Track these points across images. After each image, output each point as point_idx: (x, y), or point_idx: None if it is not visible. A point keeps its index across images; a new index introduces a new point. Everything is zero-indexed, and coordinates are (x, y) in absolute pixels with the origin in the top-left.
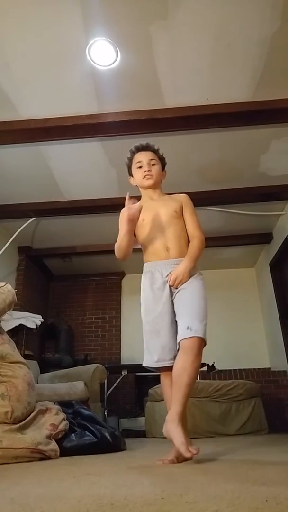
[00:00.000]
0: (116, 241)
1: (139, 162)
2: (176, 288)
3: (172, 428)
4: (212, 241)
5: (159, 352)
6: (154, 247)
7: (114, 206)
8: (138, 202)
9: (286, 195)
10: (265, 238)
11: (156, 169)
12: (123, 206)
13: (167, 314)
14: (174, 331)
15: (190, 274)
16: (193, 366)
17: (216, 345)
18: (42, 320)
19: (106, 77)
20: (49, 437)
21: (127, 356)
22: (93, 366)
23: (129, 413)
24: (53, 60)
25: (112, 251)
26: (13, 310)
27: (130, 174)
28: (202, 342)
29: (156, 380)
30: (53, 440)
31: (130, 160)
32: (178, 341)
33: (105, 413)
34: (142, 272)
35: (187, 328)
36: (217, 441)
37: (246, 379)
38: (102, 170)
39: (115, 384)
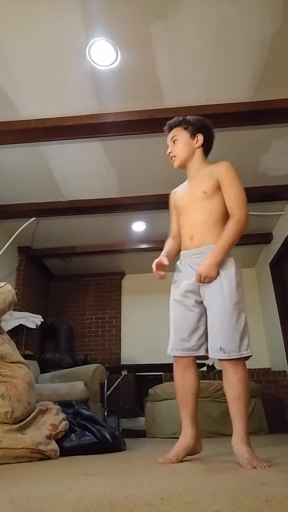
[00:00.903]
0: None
1: (167, 144)
2: (205, 283)
3: (236, 451)
4: None
5: (173, 339)
6: (183, 236)
7: (114, 206)
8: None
9: (286, 195)
10: (265, 238)
11: (178, 146)
12: (123, 206)
13: (189, 307)
14: (193, 323)
15: (219, 266)
16: (236, 378)
17: None
18: (42, 320)
19: (106, 77)
20: (49, 437)
21: (127, 356)
22: (93, 366)
23: (129, 413)
24: (53, 60)
25: (113, 251)
26: (13, 310)
27: None
28: (239, 360)
29: (156, 380)
30: (53, 440)
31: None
32: (210, 356)
33: (105, 413)
34: (142, 272)
35: (220, 349)
36: (217, 441)
37: None
38: (102, 170)
39: (115, 384)
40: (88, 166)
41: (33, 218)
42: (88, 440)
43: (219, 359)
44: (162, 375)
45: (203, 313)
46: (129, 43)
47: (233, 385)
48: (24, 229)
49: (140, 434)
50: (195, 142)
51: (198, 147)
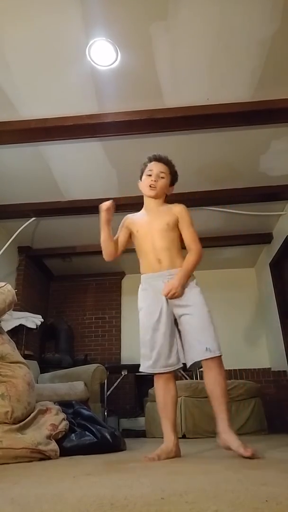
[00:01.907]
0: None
1: (150, 170)
2: (171, 298)
3: (227, 437)
4: (212, 241)
5: (155, 358)
6: (147, 260)
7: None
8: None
9: (286, 195)
10: (265, 238)
11: (162, 182)
12: (123, 206)
13: (164, 324)
14: (171, 341)
15: (184, 287)
16: (221, 377)
17: None
18: (42, 320)
19: (106, 77)
20: (49, 437)
21: (127, 356)
22: (93, 366)
23: (129, 413)
24: (53, 60)
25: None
26: (13, 310)
27: (140, 178)
28: (220, 357)
29: None
30: (53, 440)
31: (145, 165)
32: (196, 360)
33: (105, 413)
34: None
35: (207, 349)
36: (217, 441)
37: (246, 379)
38: (102, 170)
39: (115, 384)
40: (88, 166)
41: (33, 218)
42: (88, 440)
43: (203, 360)
44: None
45: (176, 329)
46: (129, 43)
47: (219, 382)
48: (24, 229)
49: (140, 434)
50: (169, 190)
51: (166, 193)
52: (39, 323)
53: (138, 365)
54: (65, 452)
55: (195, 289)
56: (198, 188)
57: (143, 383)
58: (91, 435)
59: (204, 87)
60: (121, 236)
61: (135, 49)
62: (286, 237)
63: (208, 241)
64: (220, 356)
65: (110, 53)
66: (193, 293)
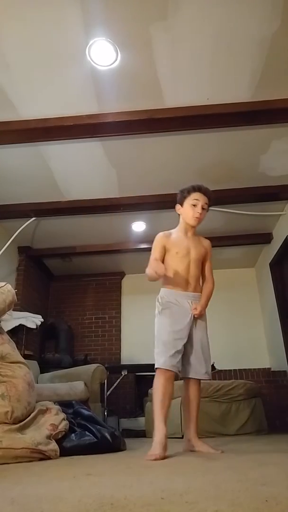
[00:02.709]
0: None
1: (196, 200)
2: (197, 318)
3: (196, 442)
4: (212, 241)
5: (172, 357)
6: (178, 278)
7: (114, 206)
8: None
9: (286, 195)
10: (265, 238)
11: (204, 214)
12: (123, 206)
13: (185, 335)
14: (183, 349)
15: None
16: (199, 396)
17: (216, 345)
18: (42, 320)
19: (106, 77)
20: (49, 437)
21: (127, 356)
22: (93, 366)
23: (129, 413)
24: (53, 60)
25: (113, 251)
26: (13, 310)
27: (180, 203)
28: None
29: None
30: (53, 440)
31: (188, 192)
32: (195, 377)
33: (105, 413)
34: (142, 272)
35: (206, 372)
36: (217, 441)
37: (246, 379)
38: (102, 170)
39: (115, 384)
40: (88, 166)
41: (33, 218)
42: (88, 440)
43: (199, 379)
44: None
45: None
46: (129, 43)
47: (198, 397)
48: (24, 229)
49: (140, 434)
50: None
51: None
52: (39, 323)
53: (138, 365)
54: (65, 452)
55: (206, 317)
56: None
57: (143, 383)
58: (91, 435)
59: (204, 87)
60: (161, 257)
61: (135, 49)
62: (286, 237)
63: None
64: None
65: (110, 53)
66: (204, 321)
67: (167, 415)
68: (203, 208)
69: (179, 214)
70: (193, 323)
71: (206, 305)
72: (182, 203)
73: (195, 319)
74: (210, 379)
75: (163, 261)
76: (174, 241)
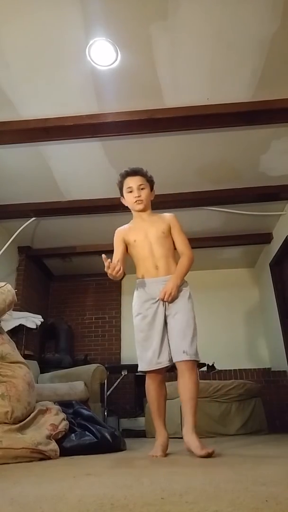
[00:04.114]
0: None
1: (129, 187)
2: (167, 302)
3: (187, 437)
4: (212, 241)
5: (150, 357)
6: (145, 266)
7: (114, 206)
8: (117, 261)
9: (286, 195)
10: (265, 238)
11: (145, 193)
12: (123, 206)
13: (158, 326)
14: (162, 340)
15: (179, 288)
16: (192, 382)
17: (216, 345)
18: (42, 320)
19: (106, 77)
20: (49, 437)
21: (127, 356)
22: (93, 366)
23: (129, 413)
24: (53, 60)
25: (112, 251)
26: (13, 310)
27: (122, 195)
28: (195, 362)
29: None
30: (53, 440)
31: (121, 183)
32: (174, 361)
33: (105, 413)
34: None
35: (183, 352)
36: (217, 441)
37: (246, 379)
38: (102, 170)
39: (115, 384)
40: (88, 166)
41: (33, 218)
42: (88, 440)
43: (178, 362)
44: None
45: (166, 329)
46: (129, 43)
47: (189, 387)
48: (24, 229)
49: (140, 434)
50: (152, 196)
51: (151, 200)
52: (39, 323)
53: (138, 365)
54: (65, 452)
55: (185, 294)
56: (198, 188)
57: (143, 383)
58: (91, 435)
59: (204, 87)
60: (120, 252)
61: (135, 49)
62: (286, 237)
63: (208, 241)
64: (194, 363)
65: (110, 53)
66: (183, 298)
67: (164, 416)
68: (141, 189)
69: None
70: (166, 308)
71: (177, 281)
72: (123, 194)
73: (168, 302)
74: (194, 360)
75: (125, 257)
76: (130, 231)
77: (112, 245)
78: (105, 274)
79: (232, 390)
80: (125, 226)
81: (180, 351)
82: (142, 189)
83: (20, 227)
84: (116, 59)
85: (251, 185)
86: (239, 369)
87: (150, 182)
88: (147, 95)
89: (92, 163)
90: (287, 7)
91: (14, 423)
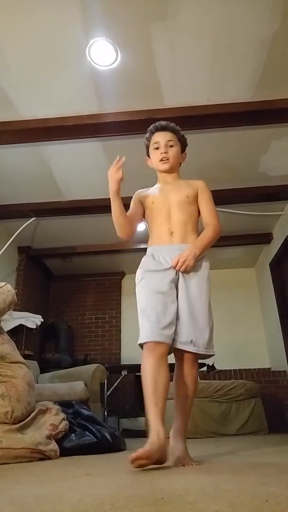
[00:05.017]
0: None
1: (156, 143)
2: (181, 272)
3: (177, 445)
4: None
5: (151, 325)
6: (158, 232)
7: None
8: (151, 189)
9: (286, 195)
10: (265, 238)
11: (173, 151)
12: (123, 206)
13: (170, 295)
14: (171, 312)
15: (196, 260)
16: (192, 377)
17: (216, 345)
18: (42, 320)
19: (106, 77)
20: (49, 437)
21: (127, 356)
22: (93, 366)
23: (129, 413)
24: (53, 60)
25: (113, 251)
26: (13, 310)
27: (148, 155)
28: (197, 359)
29: None
30: (53, 440)
31: (148, 140)
32: (178, 347)
33: (105, 413)
34: None
35: (191, 341)
36: (217, 441)
37: (246, 379)
38: (103, 170)
39: (115, 384)
40: (88, 166)
41: (33, 218)
42: (88, 440)
43: (180, 350)
44: None
45: (175, 299)
46: (129, 43)
47: (187, 384)
48: (24, 229)
49: (140, 434)
50: (182, 158)
51: (180, 162)
52: (39, 323)
53: (138, 365)
54: (65, 452)
55: (204, 272)
56: None
57: None
58: (91, 435)
59: (204, 87)
60: (134, 210)
61: (135, 49)
62: (286, 237)
63: None
64: (196, 358)
65: (110, 53)
66: (201, 276)
67: (163, 406)
68: (169, 146)
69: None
70: (180, 281)
71: (196, 251)
72: (149, 154)
73: (183, 274)
74: (204, 354)
75: (140, 218)
76: (150, 192)
77: (111, 245)
78: (105, 274)
79: (232, 390)
80: (146, 189)
81: (186, 340)
82: (171, 146)
83: (20, 227)
84: (116, 59)
85: (251, 185)
86: (239, 369)
87: (182, 141)
88: (147, 95)
89: (92, 163)
90: (286, 7)
91: (14, 423)
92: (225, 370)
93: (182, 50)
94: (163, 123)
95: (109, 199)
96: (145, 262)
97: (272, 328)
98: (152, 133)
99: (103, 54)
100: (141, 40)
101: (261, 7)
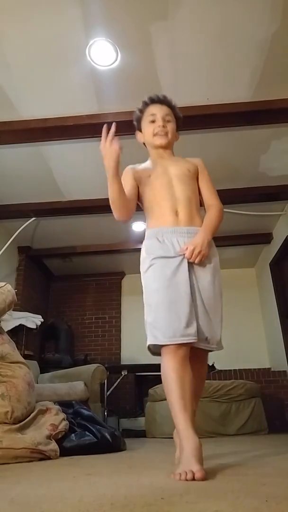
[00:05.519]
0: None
1: (152, 115)
2: (195, 263)
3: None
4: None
5: (173, 324)
6: (160, 210)
7: None
8: (143, 165)
9: (286, 195)
10: (265, 238)
11: (171, 127)
12: None
13: (184, 282)
14: (190, 304)
15: (209, 247)
16: (202, 376)
17: None
18: (42, 320)
19: (106, 77)
20: (49, 437)
21: (127, 356)
22: (93, 366)
23: (129, 413)
24: (53, 60)
25: (113, 251)
26: (13, 310)
27: (139, 129)
28: (207, 353)
29: (156, 380)
30: (53, 440)
31: (142, 111)
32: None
33: (105, 413)
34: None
35: (206, 339)
36: (217, 441)
37: (246, 379)
38: (102, 170)
39: (115, 384)
40: (88, 166)
41: (33, 218)
42: (88, 440)
43: (198, 348)
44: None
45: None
46: (129, 43)
47: (196, 382)
48: (24, 229)
49: (140, 434)
50: (176, 137)
51: (174, 142)
52: (39, 323)
53: (138, 365)
54: (65, 452)
55: (216, 261)
56: None
57: (143, 383)
58: (91, 435)
59: (204, 87)
60: (132, 186)
61: (135, 49)
62: (286, 237)
63: None
64: (207, 355)
65: (110, 53)
66: (213, 265)
67: (192, 410)
68: (167, 121)
69: (143, 144)
70: (192, 271)
71: (208, 236)
72: (140, 127)
73: (193, 264)
74: (212, 349)
75: (138, 198)
76: (146, 166)
77: (111, 245)
78: (105, 274)
79: (232, 390)
80: (137, 164)
81: (201, 336)
82: (168, 121)
83: (20, 227)
84: (116, 59)
85: (251, 185)
86: (239, 369)
87: (178, 118)
88: (147, 95)
89: (92, 163)
90: (286, 7)
91: (14, 423)
92: (225, 370)
93: (182, 50)
94: (160, 95)
95: (109, 199)
96: (151, 247)
97: (272, 328)
98: (147, 104)
99: (103, 54)
100: (141, 40)
101: (261, 7)
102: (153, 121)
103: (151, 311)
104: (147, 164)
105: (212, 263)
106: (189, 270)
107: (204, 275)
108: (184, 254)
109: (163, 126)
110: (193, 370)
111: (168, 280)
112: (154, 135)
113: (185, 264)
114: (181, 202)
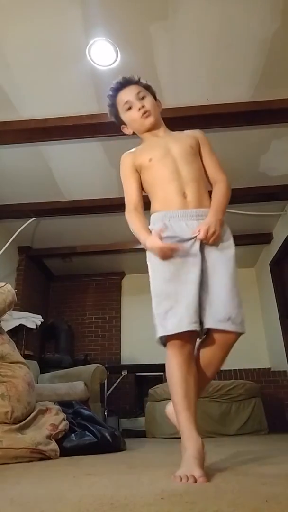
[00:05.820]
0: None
1: (126, 103)
2: (210, 244)
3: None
4: None
5: (180, 314)
6: (166, 192)
7: (114, 206)
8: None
9: (286, 195)
10: (265, 238)
11: (149, 101)
12: (123, 206)
13: (195, 271)
14: (200, 293)
15: (222, 225)
16: (222, 363)
17: None
18: (42, 320)
19: (106, 77)
20: (49, 437)
21: (127, 356)
22: (93, 366)
23: (129, 413)
24: (53, 60)
25: (113, 251)
26: (13, 310)
27: (121, 123)
28: (238, 337)
29: (156, 380)
30: (53, 440)
31: (113, 105)
32: (210, 326)
33: (105, 413)
34: (143, 272)
35: (228, 319)
36: (217, 441)
37: (246, 379)
38: (102, 170)
39: (115, 384)
40: (88, 166)
41: (33, 218)
42: (88, 440)
43: (215, 330)
44: (162, 375)
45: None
46: (129, 43)
47: (207, 375)
48: (24, 229)
49: (140, 434)
50: (159, 106)
51: (159, 112)
52: (39, 323)
53: (138, 365)
54: (65, 452)
55: (230, 242)
56: None
57: (143, 383)
58: (91, 435)
59: (204, 87)
60: (135, 184)
61: (135, 49)
62: (286, 237)
63: None
64: (235, 340)
65: (110, 53)
66: (226, 247)
67: (195, 409)
68: (142, 98)
69: (132, 133)
70: (206, 251)
71: (220, 215)
72: (121, 120)
73: (205, 246)
74: (238, 330)
75: (142, 187)
76: (143, 150)
77: (111, 245)
78: (105, 274)
79: (232, 390)
80: (132, 150)
81: (224, 318)
82: (142, 98)
83: (20, 227)
84: (116, 59)
85: (251, 185)
86: (239, 369)
87: (148, 88)
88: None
89: (92, 163)
90: (286, 7)
91: (14, 423)
92: (225, 370)
93: (182, 50)
94: (120, 79)
95: (109, 199)
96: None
97: (272, 328)
98: (114, 96)
99: (103, 54)
100: (141, 40)
101: (261, 7)
102: (129, 108)
103: (162, 300)
104: (144, 145)
105: (225, 248)
106: (202, 251)
107: (217, 257)
108: (195, 237)
109: (142, 106)
110: (210, 360)
111: (175, 270)
112: (140, 117)
113: (196, 248)
114: (188, 183)
